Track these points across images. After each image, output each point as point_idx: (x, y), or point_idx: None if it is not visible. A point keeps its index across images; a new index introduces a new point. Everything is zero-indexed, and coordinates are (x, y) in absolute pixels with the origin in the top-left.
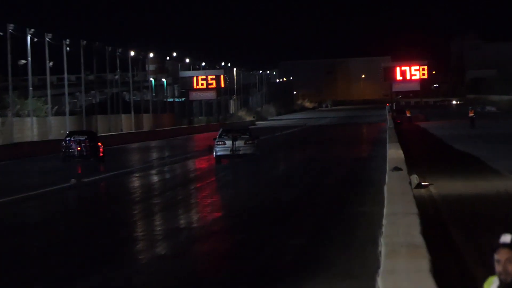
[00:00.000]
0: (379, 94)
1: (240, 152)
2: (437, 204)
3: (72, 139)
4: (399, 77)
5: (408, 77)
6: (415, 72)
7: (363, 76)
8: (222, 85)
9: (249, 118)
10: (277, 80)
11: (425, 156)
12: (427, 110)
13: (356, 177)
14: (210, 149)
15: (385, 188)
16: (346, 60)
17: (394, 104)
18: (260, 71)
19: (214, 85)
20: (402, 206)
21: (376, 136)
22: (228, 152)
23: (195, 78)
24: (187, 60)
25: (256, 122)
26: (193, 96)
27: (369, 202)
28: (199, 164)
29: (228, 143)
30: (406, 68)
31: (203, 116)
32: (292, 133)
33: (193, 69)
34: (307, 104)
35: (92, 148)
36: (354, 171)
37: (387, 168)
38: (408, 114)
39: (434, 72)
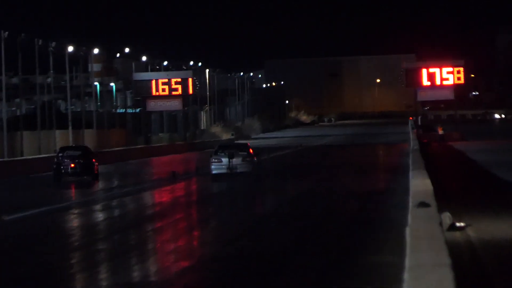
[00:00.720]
0: (400, 105)
1: (238, 170)
2: (477, 252)
3: (64, 155)
4: (426, 82)
5: (438, 82)
6: (447, 75)
7: (378, 80)
8: (191, 91)
9: (226, 136)
10: (264, 86)
11: (461, 189)
12: (463, 127)
13: (369, 217)
14: (174, 176)
15: (408, 230)
16: (356, 58)
17: (419, 118)
18: (241, 73)
19: (180, 92)
20: (430, 255)
21: (396, 162)
22: (224, 171)
23: (154, 82)
24: (144, 59)
25: (236, 142)
26: (152, 106)
27: (386, 249)
28: (159, 197)
29: (225, 160)
30: (436, 70)
31: (164, 133)
32: (284, 157)
33: (151, 71)
34: (304, 117)
35: (87, 165)
36: (366, 208)
37: (410, 204)
38: (441, 132)
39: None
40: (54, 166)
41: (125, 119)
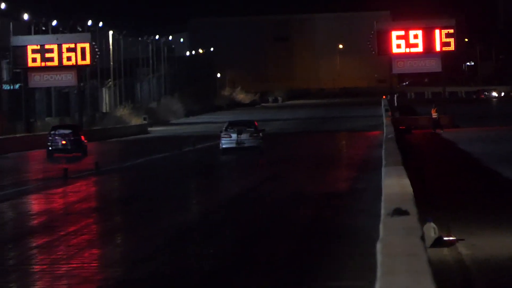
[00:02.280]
0: (370, 79)
1: (245, 145)
2: (470, 276)
3: (56, 132)
4: (404, 49)
5: (420, 48)
6: (433, 39)
7: (341, 46)
8: (89, 61)
9: (136, 121)
10: (187, 54)
11: (450, 191)
12: (454, 109)
13: (327, 227)
14: (66, 174)
15: (379, 246)
16: (311, 17)
17: (396, 96)
18: (157, 37)
19: (74, 62)
20: (408, 279)
21: (364, 155)
22: (233, 145)
23: (38, 48)
24: (26, 17)
25: (149, 129)
26: (36, 80)
27: (349, 271)
28: (47, 202)
29: (234, 136)
30: (418, 33)
31: (53, 117)
32: (214, 148)
33: (36, 33)
34: (241, 96)
35: (77, 142)
36: (324, 216)
37: (383, 211)
38: (435, 115)
39: (466, 40)
40: (48, 144)
41: (1, 98)
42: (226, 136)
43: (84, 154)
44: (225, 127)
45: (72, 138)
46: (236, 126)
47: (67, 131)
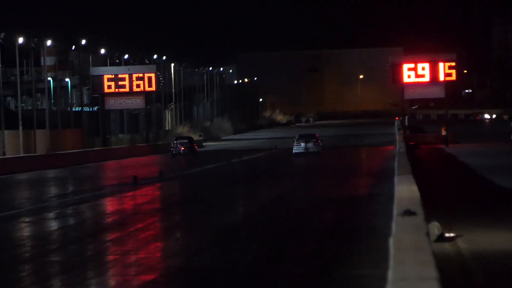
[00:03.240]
0: (386, 103)
1: (310, 150)
2: (467, 266)
3: (178, 142)
4: (414, 79)
5: (427, 78)
6: (438, 71)
7: (362, 76)
8: (154, 87)
9: (193, 137)
10: (235, 82)
11: (451, 195)
12: (455, 128)
13: (349, 226)
14: (135, 181)
15: (391, 241)
16: (337, 52)
17: (407, 117)
18: (210, 68)
19: (142, 88)
20: (416, 268)
21: (380, 165)
22: (302, 150)
23: (113, 77)
24: (102, 51)
25: (204, 143)
26: (111, 104)
27: (367, 261)
28: (119, 204)
29: (303, 144)
30: (425, 65)
31: (125, 134)
32: (257, 160)
33: (110, 65)
34: (279, 117)
35: (191, 148)
36: (346, 216)
37: (395, 212)
38: (444, 133)
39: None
40: (171, 149)
41: (81, 118)
42: (297, 144)
43: (195, 156)
44: (296, 138)
45: (188, 146)
46: (304, 137)
47: (185, 141)
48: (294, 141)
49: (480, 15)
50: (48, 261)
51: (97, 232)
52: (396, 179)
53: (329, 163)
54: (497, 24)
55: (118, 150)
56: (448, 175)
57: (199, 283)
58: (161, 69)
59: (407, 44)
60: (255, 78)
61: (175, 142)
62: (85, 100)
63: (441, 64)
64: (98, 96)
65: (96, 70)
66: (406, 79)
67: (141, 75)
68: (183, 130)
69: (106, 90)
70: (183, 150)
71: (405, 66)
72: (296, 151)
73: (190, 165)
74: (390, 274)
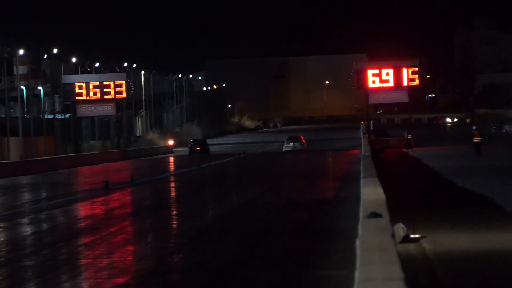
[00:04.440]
0: (351, 108)
1: (297, 148)
2: (432, 266)
3: (194, 143)
4: (378, 84)
5: (391, 83)
6: (401, 76)
7: (327, 82)
8: (125, 95)
9: (163, 143)
10: (204, 88)
11: (415, 197)
12: (419, 132)
13: (317, 228)
14: (107, 186)
15: (358, 242)
16: (303, 58)
17: (372, 122)
18: (180, 75)
19: (113, 95)
20: (382, 269)
21: (346, 169)
22: (291, 148)
23: (84, 85)
24: (74, 60)
25: (174, 149)
26: (82, 111)
27: (334, 262)
28: (91, 208)
29: (291, 144)
30: (389, 71)
31: (96, 141)
32: (225, 165)
33: (82, 73)
34: (247, 122)
35: (205, 149)
36: (314, 219)
37: (361, 215)
38: (409, 136)
39: (428, 76)
40: (189, 148)
41: (54, 125)
42: (287, 144)
43: (208, 155)
44: (286, 139)
45: (202, 146)
46: (292, 139)
47: (200, 142)
48: (284, 142)
49: (443, 22)
50: (22, 266)
51: (70, 237)
52: (362, 181)
53: (297, 167)
54: (459, 31)
55: (90, 156)
56: (412, 178)
57: (170, 285)
58: (132, 77)
59: (371, 51)
60: (224, 85)
61: (192, 143)
62: (57, 108)
63: (404, 70)
64: (70, 103)
65: (67, 78)
66: (370, 85)
67: (111, 82)
68: (153, 136)
69: (78, 97)
70: (198, 149)
71: (370, 72)
72: (286, 149)
73: (161, 170)
74: (357, 275)
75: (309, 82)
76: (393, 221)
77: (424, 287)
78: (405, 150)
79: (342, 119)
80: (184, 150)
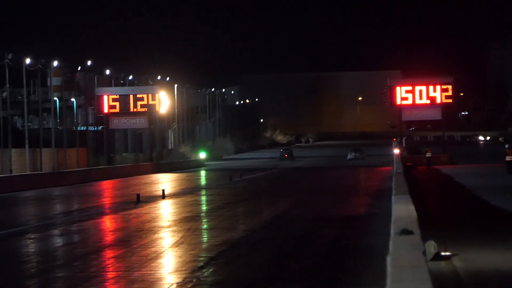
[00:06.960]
0: (383, 125)
1: (358, 158)
2: (463, 284)
3: (283, 151)
4: (411, 101)
5: (425, 100)
6: (435, 93)
7: (360, 98)
8: (158, 108)
9: (195, 157)
10: (237, 103)
11: (447, 215)
12: (452, 149)
13: (347, 244)
14: (138, 199)
15: (388, 259)
16: (336, 74)
17: (404, 139)
18: (213, 89)
19: (146, 108)
20: (413, 286)
21: (378, 185)
22: (353, 157)
23: (116, 97)
24: (107, 72)
25: (206, 163)
26: (115, 123)
27: (365, 279)
28: (122, 221)
29: (353, 154)
30: (422, 88)
31: (129, 153)
32: (257, 179)
33: (115, 85)
34: (280, 137)
35: (291, 155)
36: (344, 235)
37: (392, 231)
38: (429, 154)
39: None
40: (280, 155)
41: (86, 137)
42: (350, 153)
43: (293, 160)
44: (350, 150)
45: (289, 153)
46: (354, 149)
47: (287, 150)
48: (348, 152)
49: (477, 40)
50: (53, 277)
51: (101, 249)
52: (393, 198)
53: (329, 183)
54: (493, 49)
55: (122, 169)
56: (444, 195)
57: None
58: (165, 90)
59: (405, 68)
60: (256, 100)
61: (281, 151)
62: (90, 120)
63: (438, 87)
64: (103, 116)
65: (101, 91)
66: (403, 101)
67: (145, 95)
68: (185, 149)
69: (111, 110)
70: (286, 156)
71: (403, 89)
72: (349, 158)
73: (194, 183)
74: None
75: (341, 98)
76: (425, 238)
77: None
78: (427, 168)
79: (375, 135)
80: (216, 164)
